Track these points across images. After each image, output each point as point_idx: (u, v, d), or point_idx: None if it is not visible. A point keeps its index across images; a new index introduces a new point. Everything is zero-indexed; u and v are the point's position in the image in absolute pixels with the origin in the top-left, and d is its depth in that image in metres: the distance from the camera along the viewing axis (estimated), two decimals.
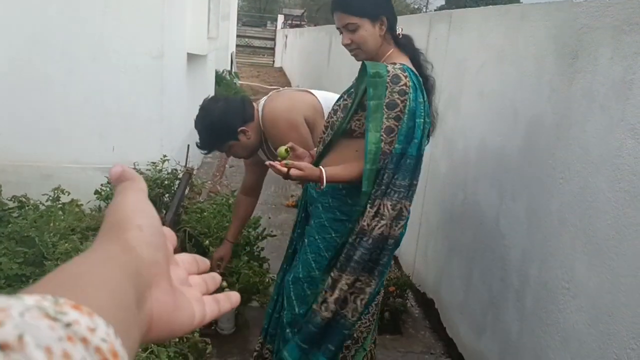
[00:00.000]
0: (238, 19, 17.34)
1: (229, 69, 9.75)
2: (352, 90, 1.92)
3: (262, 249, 3.21)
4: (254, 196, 2.72)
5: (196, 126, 2.41)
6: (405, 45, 1.96)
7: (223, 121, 2.31)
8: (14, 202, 2.71)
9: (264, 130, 2.40)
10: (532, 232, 2.09)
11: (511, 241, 2.25)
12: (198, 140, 2.41)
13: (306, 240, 2.03)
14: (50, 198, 2.73)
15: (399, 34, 1.94)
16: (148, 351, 1.55)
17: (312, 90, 2.56)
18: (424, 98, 1.86)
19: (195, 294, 0.46)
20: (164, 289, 0.40)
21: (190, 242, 2.92)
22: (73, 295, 0.28)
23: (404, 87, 1.79)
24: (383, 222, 1.81)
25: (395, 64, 1.85)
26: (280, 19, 24.26)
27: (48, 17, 3.04)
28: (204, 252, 2.83)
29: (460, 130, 2.90)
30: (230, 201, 3.35)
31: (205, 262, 0.54)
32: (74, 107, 3.18)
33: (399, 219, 1.83)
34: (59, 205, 2.73)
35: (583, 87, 1.81)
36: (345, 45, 1.92)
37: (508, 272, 2.26)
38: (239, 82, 10.35)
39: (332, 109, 1.98)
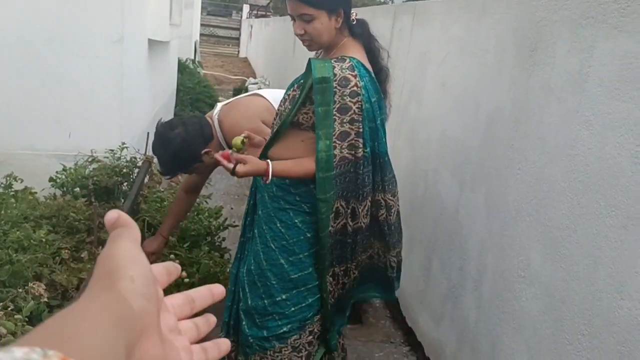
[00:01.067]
0: (202, 8, 17.07)
1: (192, 57, 9.60)
2: (302, 80, 1.88)
3: (224, 239, 3.18)
4: (195, 195, 2.69)
5: (155, 153, 2.39)
6: (361, 33, 1.90)
7: (186, 149, 2.28)
8: None
9: (228, 142, 2.40)
10: (490, 222, 2.13)
11: (470, 231, 2.29)
12: (160, 167, 2.42)
13: (256, 231, 2.00)
14: (2, 185, 2.63)
15: (353, 19, 1.86)
16: None
17: (260, 92, 2.54)
18: (378, 94, 1.83)
19: (184, 343, 0.46)
20: (154, 341, 0.40)
21: (149, 231, 2.87)
22: (62, 347, 0.28)
23: (354, 89, 1.73)
24: (383, 211, 1.92)
25: (344, 60, 1.78)
26: (246, 8, 23.99)
27: None
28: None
29: (422, 122, 2.93)
30: None
31: (205, 298, 0.52)
32: (29, 91, 3.07)
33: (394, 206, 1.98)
34: (12, 193, 2.64)
35: (541, 79, 1.85)
36: (298, 35, 1.85)
37: (467, 262, 2.29)
38: (203, 71, 10.20)
39: (283, 97, 1.96)
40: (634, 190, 1.41)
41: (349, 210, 1.84)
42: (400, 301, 3.08)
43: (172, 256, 2.78)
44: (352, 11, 1.86)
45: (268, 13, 21.49)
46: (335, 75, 1.73)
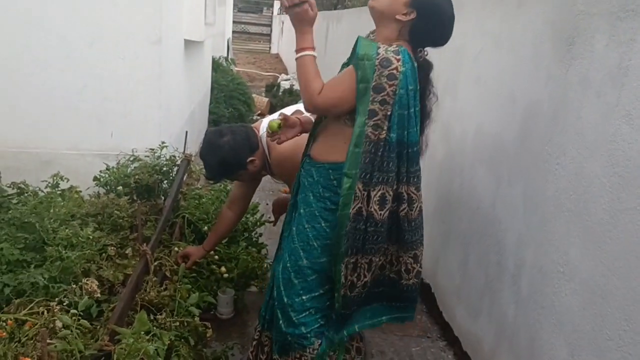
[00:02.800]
0: (234, 5, 17.21)
1: (225, 55, 9.71)
2: (346, 62, 1.94)
3: (260, 234, 3.23)
4: (239, 211, 2.73)
5: (202, 158, 2.49)
6: (420, 65, 1.90)
7: (233, 157, 2.39)
8: (13, 188, 2.72)
9: (272, 166, 2.50)
10: (528, 217, 2.12)
11: (507, 226, 2.28)
12: (206, 173, 2.52)
13: (294, 228, 2.02)
14: (50, 184, 2.74)
15: (421, 56, 1.91)
16: (150, 334, 1.58)
17: (302, 107, 2.59)
18: (416, 85, 1.84)
19: None
20: None
21: (189, 227, 2.94)
22: None
23: (393, 72, 1.76)
24: (404, 205, 1.90)
25: (391, 45, 1.81)
26: (277, 4, 24.08)
27: (45, 2, 3.03)
28: (202, 238, 2.85)
29: (458, 116, 2.92)
30: (228, 187, 3.38)
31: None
32: (72, 93, 3.18)
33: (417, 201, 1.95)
34: (58, 192, 2.74)
35: (579, 73, 1.83)
36: None
37: (504, 257, 2.29)
38: (235, 68, 10.31)
39: None
40: None
41: (365, 194, 1.84)
42: (437, 296, 3.08)
43: (211, 252, 2.85)
44: (424, 50, 1.92)
45: None
46: (378, 54, 1.77)
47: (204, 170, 2.60)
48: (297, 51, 1.88)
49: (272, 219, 3.07)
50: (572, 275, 1.81)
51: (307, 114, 2.23)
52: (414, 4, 1.82)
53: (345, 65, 1.97)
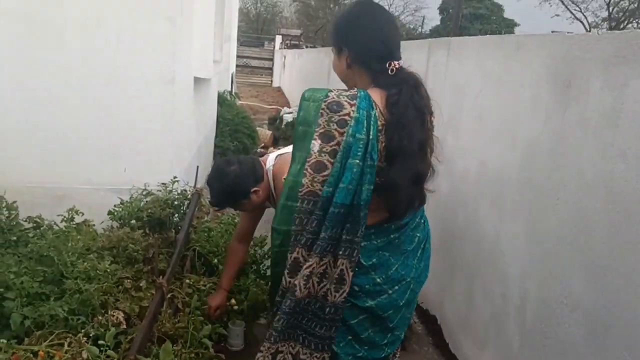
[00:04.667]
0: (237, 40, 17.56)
1: (229, 89, 9.89)
2: None
3: (269, 267, 3.29)
4: (247, 243, 2.84)
5: (209, 185, 2.58)
6: (389, 84, 1.63)
7: (237, 184, 2.47)
8: (29, 222, 2.80)
9: (276, 193, 2.57)
10: (531, 250, 2.20)
11: (511, 259, 2.36)
12: (210, 198, 2.59)
13: None
14: (65, 218, 2.82)
15: (391, 68, 1.63)
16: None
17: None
18: (369, 134, 1.54)
19: None
20: None
21: (199, 260, 3.01)
22: None
23: (345, 118, 1.51)
24: (304, 280, 1.60)
25: (350, 90, 1.61)
26: (278, 39, 24.56)
27: (64, 44, 3.16)
28: (212, 270, 2.92)
29: (460, 152, 3.02)
30: (236, 220, 3.45)
31: None
32: (88, 130, 3.29)
33: (334, 282, 1.62)
34: (73, 225, 2.82)
35: (577, 114, 1.93)
36: None
37: (509, 289, 2.36)
38: (239, 102, 10.49)
39: None
40: None
41: (305, 261, 1.60)
42: (443, 328, 3.13)
43: None
44: (389, 62, 1.63)
45: (300, 42, 21.93)
46: (327, 97, 1.55)
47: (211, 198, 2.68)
48: None
49: None
50: (574, 307, 1.88)
51: None
52: (339, 46, 1.69)
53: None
